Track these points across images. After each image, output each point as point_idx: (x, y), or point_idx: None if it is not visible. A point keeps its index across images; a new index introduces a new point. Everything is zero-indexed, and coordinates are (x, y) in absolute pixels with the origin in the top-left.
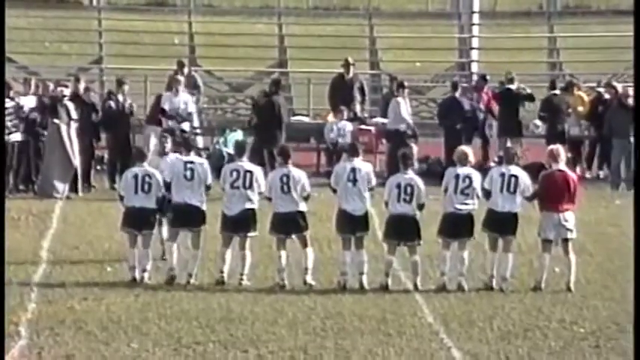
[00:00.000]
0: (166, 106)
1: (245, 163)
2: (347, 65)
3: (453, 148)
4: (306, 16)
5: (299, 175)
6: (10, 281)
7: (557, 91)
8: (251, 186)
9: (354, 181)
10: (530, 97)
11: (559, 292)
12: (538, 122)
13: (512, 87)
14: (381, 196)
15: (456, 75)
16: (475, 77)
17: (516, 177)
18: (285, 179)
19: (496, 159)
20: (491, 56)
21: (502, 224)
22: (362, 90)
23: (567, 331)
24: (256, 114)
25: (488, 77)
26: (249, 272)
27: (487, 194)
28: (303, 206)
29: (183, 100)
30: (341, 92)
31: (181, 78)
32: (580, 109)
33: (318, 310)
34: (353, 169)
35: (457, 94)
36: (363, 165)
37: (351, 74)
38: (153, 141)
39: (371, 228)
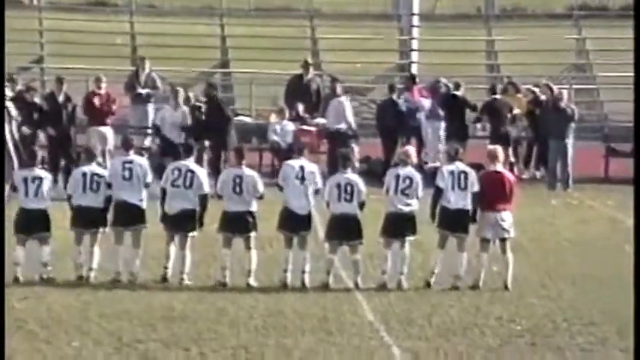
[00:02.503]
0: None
1: (189, 163)
2: (306, 66)
3: (389, 148)
4: (248, 17)
5: (251, 175)
6: None
7: (498, 96)
8: (191, 186)
9: (302, 179)
10: (474, 108)
11: (496, 290)
12: (478, 126)
13: (458, 93)
14: (321, 196)
15: (396, 76)
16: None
17: (466, 173)
18: (237, 180)
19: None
20: (431, 58)
21: (455, 221)
22: (317, 92)
23: (504, 329)
24: (203, 116)
25: (417, 77)
26: (192, 271)
27: (439, 192)
28: (253, 206)
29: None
30: (298, 92)
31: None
32: (517, 110)
33: (260, 308)
34: (302, 167)
35: (394, 96)
36: (310, 165)
37: (310, 75)
38: (94, 142)
39: (312, 227)
